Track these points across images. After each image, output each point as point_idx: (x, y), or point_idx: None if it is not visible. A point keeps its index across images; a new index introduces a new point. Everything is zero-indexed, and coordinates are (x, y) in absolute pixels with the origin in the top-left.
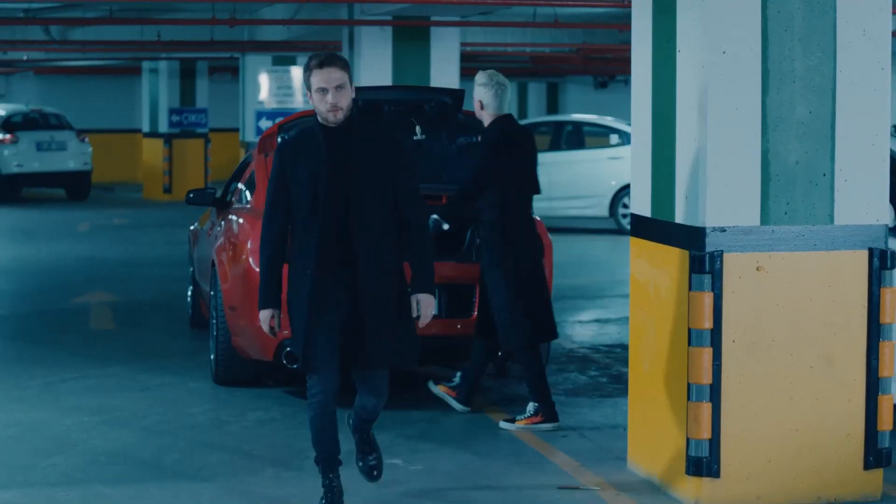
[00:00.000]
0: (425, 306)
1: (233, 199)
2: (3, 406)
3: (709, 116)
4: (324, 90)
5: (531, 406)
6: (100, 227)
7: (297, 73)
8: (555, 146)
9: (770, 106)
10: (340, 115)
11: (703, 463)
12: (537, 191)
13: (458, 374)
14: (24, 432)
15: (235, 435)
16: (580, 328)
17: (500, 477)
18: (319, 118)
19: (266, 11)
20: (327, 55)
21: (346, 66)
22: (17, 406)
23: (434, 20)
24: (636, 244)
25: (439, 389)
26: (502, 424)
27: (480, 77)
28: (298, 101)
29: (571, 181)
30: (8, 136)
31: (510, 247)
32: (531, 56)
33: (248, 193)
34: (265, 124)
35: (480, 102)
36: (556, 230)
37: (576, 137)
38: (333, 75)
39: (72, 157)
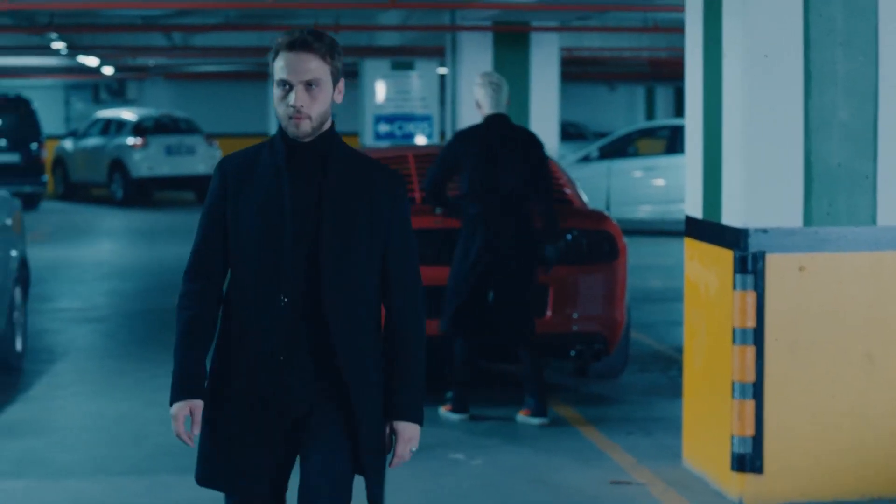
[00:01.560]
0: (406, 440)
1: None
2: (91, 398)
3: (752, 120)
4: (285, 84)
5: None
6: None
7: (415, 78)
8: (671, 150)
9: (812, 109)
10: (307, 127)
11: (747, 459)
12: (532, 190)
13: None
14: (106, 424)
15: None
16: (673, 329)
17: (556, 472)
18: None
19: (383, 17)
20: (303, 33)
21: (328, 54)
22: (104, 399)
23: (533, 25)
24: (689, 245)
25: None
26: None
27: (477, 78)
28: (417, 106)
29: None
30: (139, 141)
31: (481, 243)
32: (649, 60)
33: None
34: (383, 128)
35: (477, 102)
36: (672, 234)
37: None
38: (304, 64)
39: (201, 160)
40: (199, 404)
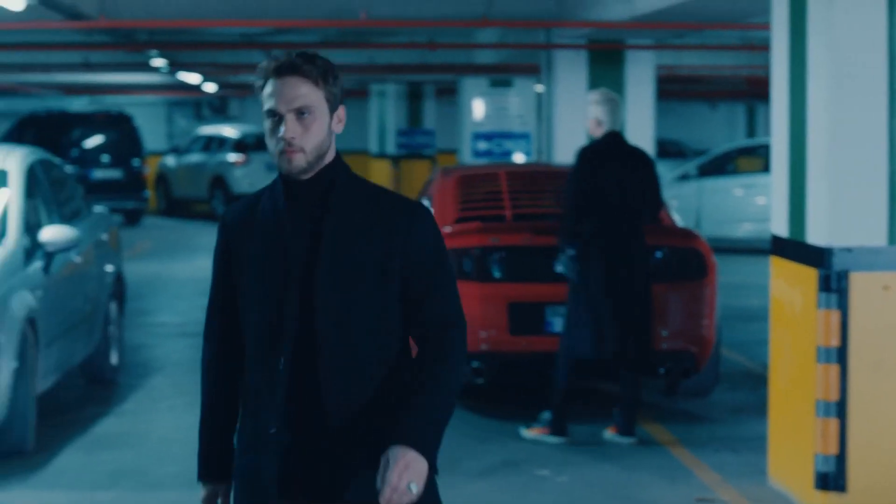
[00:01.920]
0: (401, 467)
1: None
2: (185, 412)
3: (836, 139)
4: (274, 114)
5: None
6: None
7: (513, 95)
8: (768, 168)
9: None
10: (301, 162)
11: (830, 477)
12: (641, 207)
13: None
14: (186, 436)
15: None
16: (766, 348)
17: (642, 489)
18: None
19: (480, 35)
20: (291, 55)
21: (321, 78)
22: (198, 412)
23: (628, 44)
24: (775, 263)
25: (531, 433)
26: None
27: (595, 95)
28: (515, 124)
29: None
30: (240, 157)
31: (594, 263)
32: (748, 79)
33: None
34: (482, 146)
35: (597, 120)
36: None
37: None
38: (293, 91)
39: None
40: (226, 488)
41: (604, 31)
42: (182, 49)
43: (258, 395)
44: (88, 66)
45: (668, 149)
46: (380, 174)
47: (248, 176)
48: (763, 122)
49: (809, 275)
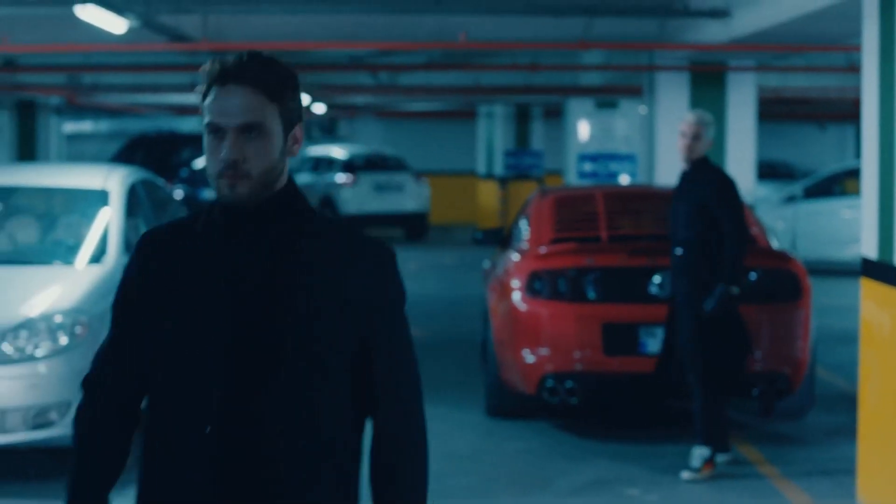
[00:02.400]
0: None
1: (512, 237)
2: None
3: None
4: (216, 130)
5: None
6: (429, 266)
7: (618, 117)
8: None
9: None
10: (244, 189)
11: None
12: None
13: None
14: None
15: (488, 462)
16: None
17: None
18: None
19: (586, 57)
20: (241, 58)
21: (276, 88)
22: None
23: (730, 65)
24: (865, 285)
25: (694, 475)
26: (684, 475)
27: (707, 117)
28: (621, 145)
29: None
30: (349, 178)
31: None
32: (854, 101)
33: (523, 232)
34: (588, 167)
35: (707, 142)
36: None
37: None
38: (241, 102)
39: (410, 197)
40: None
41: (705, 53)
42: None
43: (175, 464)
44: (195, 88)
45: (777, 170)
46: (487, 195)
47: (356, 197)
48: None
49: None
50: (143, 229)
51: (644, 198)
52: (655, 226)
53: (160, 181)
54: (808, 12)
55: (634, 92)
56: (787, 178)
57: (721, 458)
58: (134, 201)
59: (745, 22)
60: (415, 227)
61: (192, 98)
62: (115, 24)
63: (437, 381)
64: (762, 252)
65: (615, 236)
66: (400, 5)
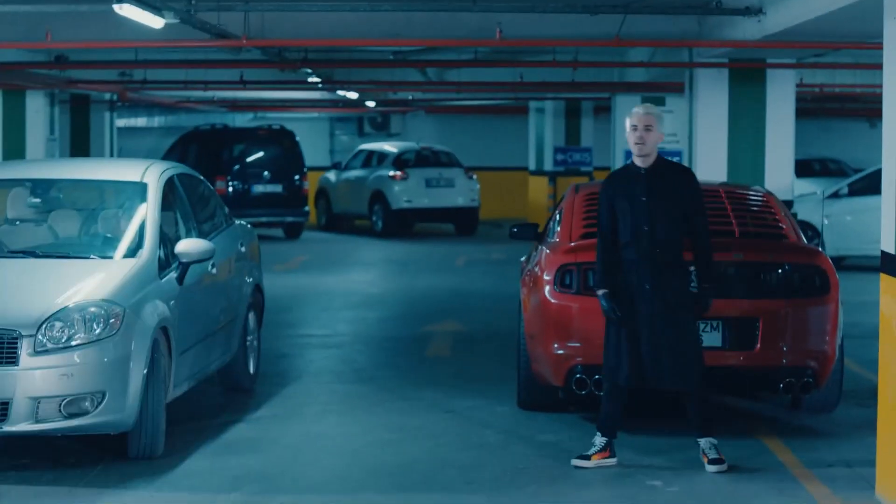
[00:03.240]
0: None
1: (546, 232)
2: (314, 420)
3: None
4: None
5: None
6: (477, 261)
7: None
8: None
9: None
10: None
11: None
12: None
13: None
14: (325, 445)
15: (518, 454)
16: None
17: (749, 500)
18: None
19: (632, 54)
20: None
21: None
22: (327, 421)
23: (770, 62)
24: (885, 280)
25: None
26: (574, 462)
27: (657, 109)
28: (666, 142)
29: None
30: (399, 173)
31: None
32: None
33: (556, 227)
34: None
35: (659, 135)
36: None
37: None
38: None
39: (459, 193)
40: None
41: (745, 49)
42: (333, 67)
43: None
44: (244, 84)
45: (828, 167)
46: (537, 191)
47: (407, 192)
48: None
49: None
50: (180, 223)
51: None
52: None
53: (199, 176)
54: (835, 9)
55: (680, 89)
56: (837, 174)
57: (600, 441)
58: (172, 196)
59: (778, 19)
60: (465, 222)
61: (242, 94)
62: (152, 20)
63: (473, 375)
64: (790, 247)
65: None
66: (438, 3)
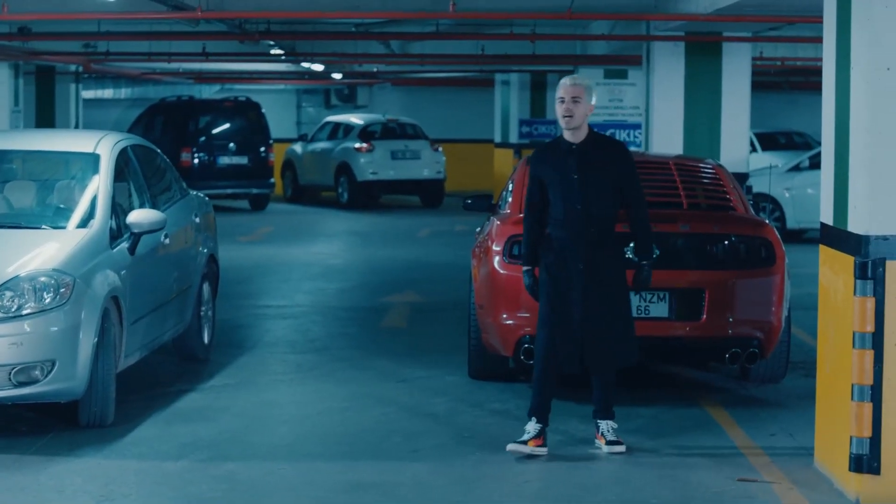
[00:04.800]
0: None
1: (498, 203)
2: (265, 389)
3: (875, 130)
4: None
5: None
6: (440, 233)
7: (627, 87)
8: None
9: None
10: None
11: (864, 460)
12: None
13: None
14: (274, 412)
15: (463, 424)
16: None
17: (689, 468)
18: None
19: (594, 27)
20: None
21: None
22: (283, 389)
23: (726, 35)
24: (823, 251)
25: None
26: (508, 447)
27: (586, 80)
28: (629, 114)
29: None
30: (364, 145)
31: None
32: None
33: (507, 198)
34: None
35: (589, 107)
36: None
37: None
38: None
39: (425, 165)
40: None
41: (702, 23)
42: (294, 39)
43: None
44: (206, 56)
45: (793, 140)
46: (503, 163)
47: (372, 164)
48: None
49: (849, 262)
50: (133, 193)
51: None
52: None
53: (153, 147)
54: None
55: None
56: (802, 147)
57: (534, 428)
58: (125, 166)
59: None
60: (430, 194)
61: (208, 65)
62: None
63: (426, 345)
64: (737, 219)
65: None
66: None
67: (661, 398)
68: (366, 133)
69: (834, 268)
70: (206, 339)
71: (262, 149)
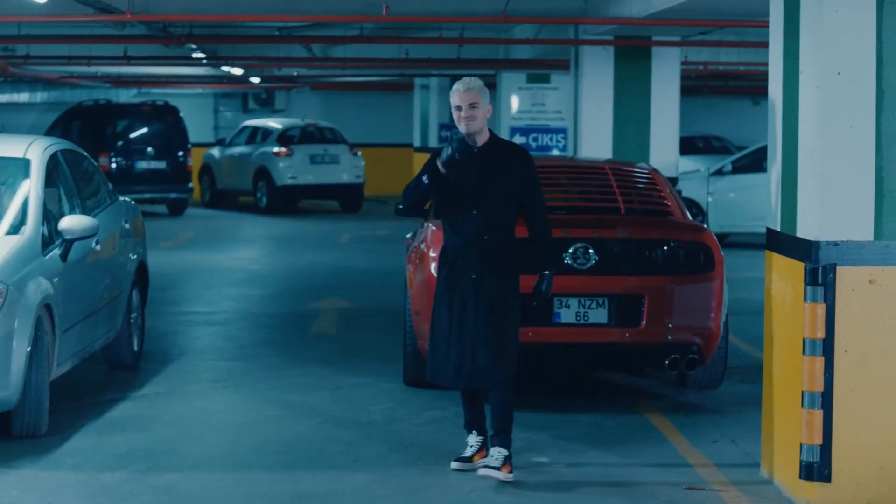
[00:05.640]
0: None
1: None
2: (197, 398)
3: (825, 135)
4: None
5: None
6: (361, 238)
7: (550, 91)
8: None
9: (884, 125)
10: None
11: (815, 468)
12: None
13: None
14: (208, 421)
15: (402, 432)
16: None
17: (635, 476)
18: None
19: (519, 31)
20: None
21: None
22: (215, 396)
23: (655, 40)
24: (769, 257)
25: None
26: (453, 465)
27: (479, 83)
28: (552, 119)
29: None
30: (283, 150)
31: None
32: None
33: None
34: (518, 141)
35: (487, 109)
36: None
37: None
38: None
39: (345, 170)
40: None
41: (631, 27)
42: (219, 42)
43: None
44: (128, 59)
45: (711, 144)
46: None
47: (291, 168)
48: None
49: (798, 268)
50: (63, 199)
51: (562, 170)
52: (573, 198)
53: (83, 152)
54: None
55: (566, 66)
56: (722, 152)
57: (476, 441)
58: (55, 172)
59: None
60: (349, 198)
61: (126, 69)
62: None
63: (358, 352)
64: (675, 224)
65: None
66: None
67: (599, 405)
68: (284, 137)
69: (782, 273)
70: (135, 347)
71: (181, 153)
